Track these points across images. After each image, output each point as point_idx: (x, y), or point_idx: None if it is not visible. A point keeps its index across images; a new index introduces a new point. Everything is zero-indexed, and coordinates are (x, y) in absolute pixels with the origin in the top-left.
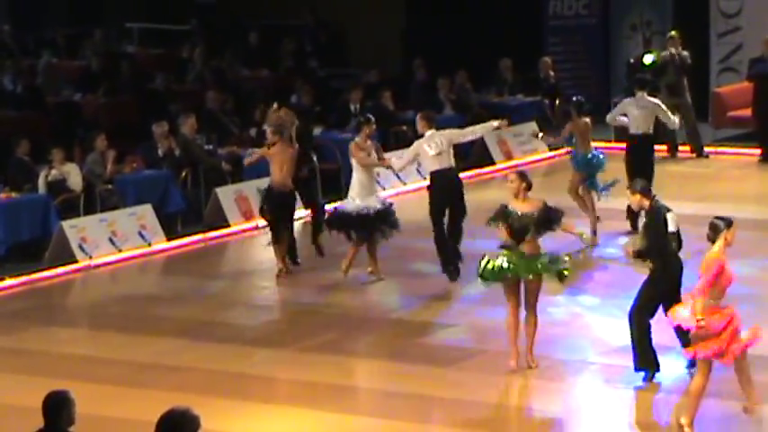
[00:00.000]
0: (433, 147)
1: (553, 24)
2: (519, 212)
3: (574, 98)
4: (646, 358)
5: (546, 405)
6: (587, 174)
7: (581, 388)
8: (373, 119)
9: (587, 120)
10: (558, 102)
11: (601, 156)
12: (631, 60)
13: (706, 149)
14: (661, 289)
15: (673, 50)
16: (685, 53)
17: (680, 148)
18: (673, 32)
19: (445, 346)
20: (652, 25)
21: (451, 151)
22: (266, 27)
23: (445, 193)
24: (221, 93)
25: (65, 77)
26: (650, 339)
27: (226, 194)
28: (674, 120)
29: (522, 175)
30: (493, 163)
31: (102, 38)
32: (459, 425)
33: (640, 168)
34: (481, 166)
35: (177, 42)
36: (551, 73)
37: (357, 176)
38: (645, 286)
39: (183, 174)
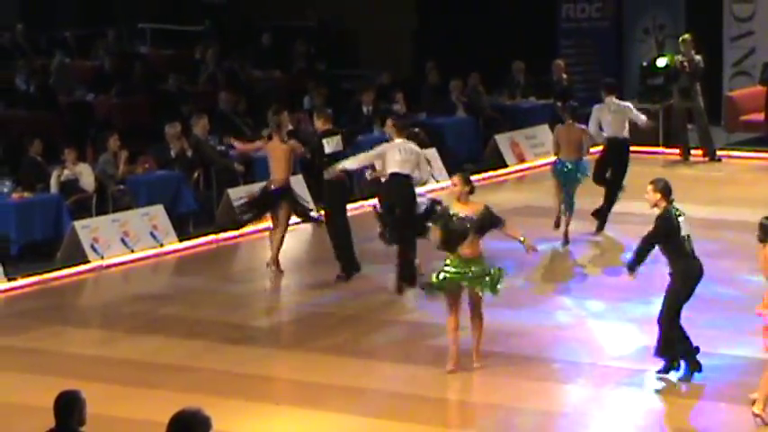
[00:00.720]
0: (402, 153)
1: (566, 27)
2: (459, 215)
3: (568, 103)
4: (669, 349)
5: (554, 408)
6: (564, 182)
7: (589, 391)
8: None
9: (582, 127)
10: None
11: (577, 169)
12: (644, 64)
13: (718, 153)
14: (685, 291)
15: (685, 54)
16: (698, 57)
17: (692, 151)
18: (685, 36)
19: None
20: (665, 29)
21: (413, 168)
22: (278, 28)
23: (394, 196)
24: (234, 94)
25: (77, 78)
26: (683, 337)
27: (237, 195)
28: (644, 118)
29: (466, 179)
30: (505, 165)
31: (114, 38)
32: (467, 427)
33: (614, 170)
34: (494, 169)
35: (190, 43)
36: (564, 76)
37: None
38: (669, 290)
39: (195, 174)
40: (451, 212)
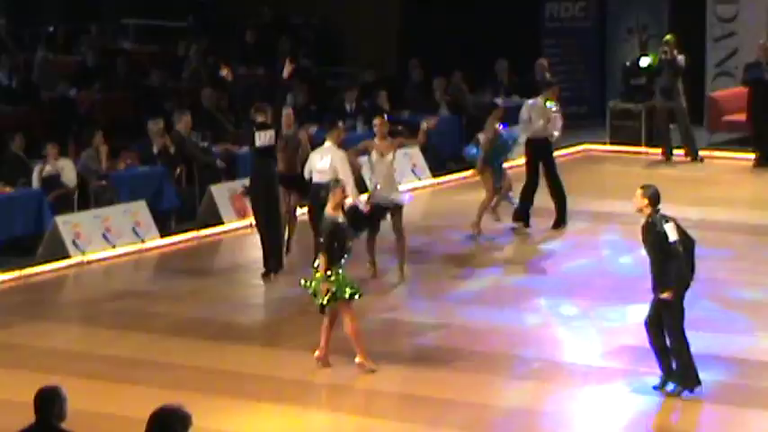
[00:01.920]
0: (318, 161)
1: (549, 26)
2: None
3: (495, 100)
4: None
5: (535, 406)
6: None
7: (571, 390)
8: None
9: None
10: None
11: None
12: (627, 63)
13: (701, 153)
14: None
15: (667, 54)
16: (681, 57)
17: (674, 151)
18: (668, 36)
19: (437, 347)
20: (648, 28)
21: (337, 172)
22: (262, 25)
23: (314, 204)
24: (217, 90)
25: (60, 73)
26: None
27: (220, 192)
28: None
29: (338, 183)
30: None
31: (97, 34)
32: (451, 426)
33: (535, 171)
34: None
35: (173, 39)
36: (547, 75)
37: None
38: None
39: (178, 171)
40: (337, 222)
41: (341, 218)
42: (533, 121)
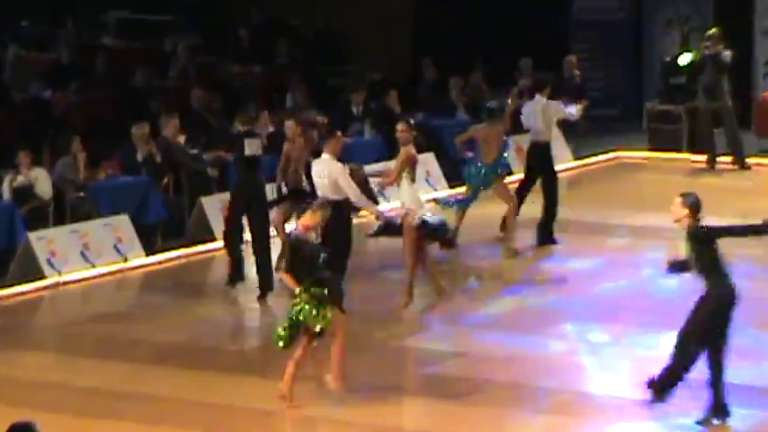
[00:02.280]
0: (319, 176)
1: (579, 19)
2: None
3: (487, 104)
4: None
5: None
6: (477, 187)
7: (605, 426)
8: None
9: (500, 128)
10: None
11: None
12: (666, 59)
13: (748, 160)
14: (711, 313)
15: (711, 49)
16: (727, 52)
17: (719, 158)
18: (713, 29)
19: (452, 377)
20: (690, 20)
21: (338, 186)
22: (259, 22)
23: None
24: (208, 91)
25: (34, 72)
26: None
27: (211, 204)
28: (572, 111)
29: (323, 206)
30: (510, 172)
31: (74, 29)
32: None
33: (545, 178)
34: None
35: (159, 34)
36: (577, 73)
37: None
38: (699, 311)
39: (165, 180)
40: (303, 238)
41: (311, 236)
42: (532, 124)
